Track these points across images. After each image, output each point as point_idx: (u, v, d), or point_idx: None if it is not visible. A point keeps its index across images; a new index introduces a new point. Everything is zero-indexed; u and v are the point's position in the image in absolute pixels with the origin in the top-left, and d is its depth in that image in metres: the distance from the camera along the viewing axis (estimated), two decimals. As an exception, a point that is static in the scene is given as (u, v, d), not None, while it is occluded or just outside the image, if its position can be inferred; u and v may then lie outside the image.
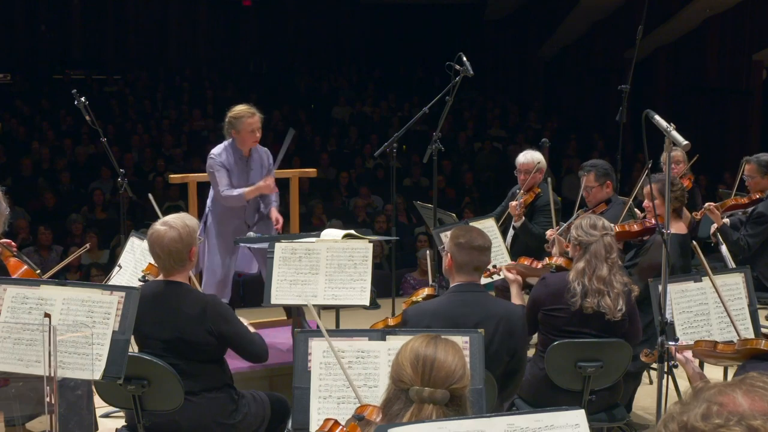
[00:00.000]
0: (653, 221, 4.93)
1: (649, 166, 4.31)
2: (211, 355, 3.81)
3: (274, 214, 5.61)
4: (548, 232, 5.53)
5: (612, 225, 4.31)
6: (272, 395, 4.12)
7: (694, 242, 3.89)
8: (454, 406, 2.36)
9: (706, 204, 6.01)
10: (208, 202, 5.65)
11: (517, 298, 4.56)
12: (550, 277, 4.38)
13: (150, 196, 5.19)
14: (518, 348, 3.81)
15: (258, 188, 5.45)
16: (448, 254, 3.82)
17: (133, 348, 3.78)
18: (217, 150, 5.49)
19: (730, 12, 13.57)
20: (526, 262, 4.84)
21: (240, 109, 5.48)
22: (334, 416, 2.78)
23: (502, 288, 5.87)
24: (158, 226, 3.79)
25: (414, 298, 4.37)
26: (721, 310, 4.00)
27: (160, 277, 3.92)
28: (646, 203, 5.10)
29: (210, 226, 5.59)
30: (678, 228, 5.00)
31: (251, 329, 4.01)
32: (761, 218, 5.92)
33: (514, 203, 5.95)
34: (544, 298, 4.25)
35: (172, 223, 3.77)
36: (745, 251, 5.89)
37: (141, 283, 4.35)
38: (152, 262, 4.25)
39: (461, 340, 3.20)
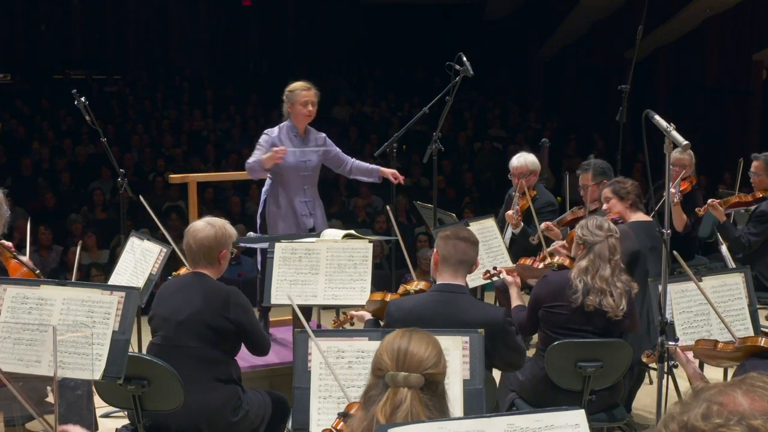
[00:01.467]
0: (612, 217, 4.99)
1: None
2: (224, 343, 3.88)
3: (387, 171, 5.78)
4: (542, 225, 5.53)
5: (616, 228, 4.33)
6: (273, 394, 4.14)
7: (675, 252, 3.88)
8: (430, 392, 2.41)
9: (710, 200, 6.00)
10: (262, 195, 5.74)
11: (516, 299, 4.56)
12: (552, 274, 4.39)
13: (141, 198, 5.16)
14: (497, 350, 3.68)
15: (270, 157, 5.44)
16: (435, 250, 3.84)
17: (133, 348, 3.78)
18: (271, 129, 5.64)
19: (730, 12, 13.57)
20: (527, 262, 4.83)
21: (297, 83, 5.64)
22: (333, 416, 2.79)
23: (503, 288, 5.87)
24: (199, 222, 4.01)
25: (408, 287, 4.36)
26: (720, 310, 4.00)
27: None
28: (605, 207, 5.16)
29: (268, 216, 5.65)
30: (639, 217, 5.11)
31: None
32: (764, 217, 5.91)
33: (510, 212, 5.92)
34: (545, 295, 4.26)
35: (212, 222, 3.99)
36: (745, 249, 5.88)
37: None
38: (183, 264, 4.51)
39: (461, 340, 3.21)
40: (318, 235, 5.14)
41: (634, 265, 4.75)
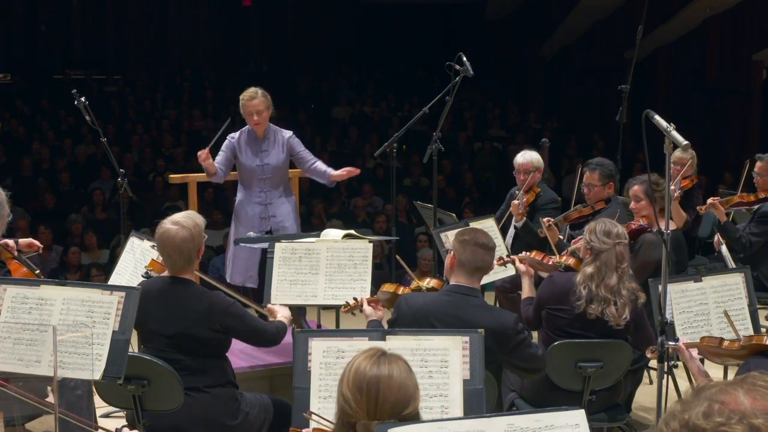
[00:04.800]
0: (641, 222, 4.93)
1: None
2: (215, 350, 3.84)
3: (337, 174, 5.75)
4: (543, 220, 5.51)
5: (626, 233, 4.29)
6: (275, 399, 4.10)
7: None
8: None
9: (710, 199, 5.96)
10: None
11: (528, 291, 4.54)
12: (558, 276, 4.37)
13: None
14: (509, 355, 3.71)
15: (205, 168, 5.60)
16: (452, 252, 3.80)
17: (133, 348, 3.78)
18: (235, 132, 5.77)
19: (730, 12, 13.56)
20: (538, 257, 4.80)
21: (246, 92, 5.72)
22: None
23: (502, 288, 5.87)
24: (168, 225, 3.77)
25: (420, 284, 4.34)
26: (720, 310, 4.00)
27: (165, 274, 3.93)
28: (632, 205, 5.09)
29: (234, 216, 5.81)
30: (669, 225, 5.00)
31: (279, 314, 4.12)
32: (766, 218, 5.89)
33: (516, 202, 5.93)
34: (549, 296, 4.25)
35: (183, 222, 3.77)
36: (746, 249, 5.87)
37: (144, 279, 4.34)
38: (155, 258, 4.29)
39: (461, 340, 3.20)
40: (318, 235, 5.14)
41: (657, 275, 4.70)
